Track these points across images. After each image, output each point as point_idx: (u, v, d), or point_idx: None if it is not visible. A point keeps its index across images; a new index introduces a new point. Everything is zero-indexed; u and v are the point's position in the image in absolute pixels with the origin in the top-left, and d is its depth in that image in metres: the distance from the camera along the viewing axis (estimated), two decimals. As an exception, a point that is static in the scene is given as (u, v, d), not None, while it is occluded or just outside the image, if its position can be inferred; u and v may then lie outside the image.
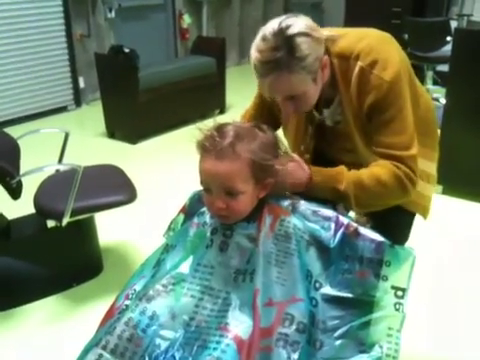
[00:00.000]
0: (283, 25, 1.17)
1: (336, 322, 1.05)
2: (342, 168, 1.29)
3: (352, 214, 1.28)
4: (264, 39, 1.18)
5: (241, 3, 7.16)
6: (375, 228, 1.12)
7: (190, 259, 1.10)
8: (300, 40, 1.16)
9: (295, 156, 1.27)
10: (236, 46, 7.25)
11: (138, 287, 1.15)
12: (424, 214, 1.53)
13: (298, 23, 1.18)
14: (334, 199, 1.26)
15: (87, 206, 2.31)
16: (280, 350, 0.98)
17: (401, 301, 1.06)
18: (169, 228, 1.32)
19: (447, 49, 3.93)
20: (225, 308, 1.04)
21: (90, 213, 2.41)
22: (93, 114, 5.06)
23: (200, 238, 1.12)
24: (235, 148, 1.04)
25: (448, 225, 3.00)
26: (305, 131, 1.48)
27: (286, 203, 1.16)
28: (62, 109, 5.34)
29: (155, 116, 4.49)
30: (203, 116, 4.67)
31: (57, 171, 2.62)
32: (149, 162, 4.04)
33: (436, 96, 5.32)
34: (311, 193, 1.23)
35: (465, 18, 5.44)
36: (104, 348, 1.02)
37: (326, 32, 1.27)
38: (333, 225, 1.11)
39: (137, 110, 4.38)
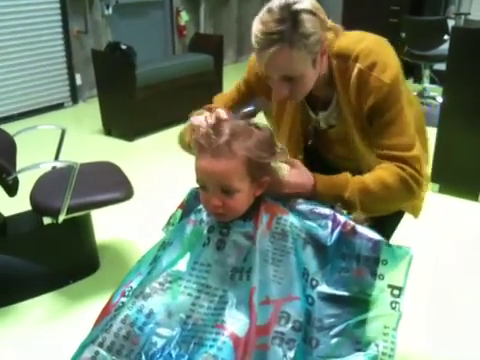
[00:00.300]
0: (291, 0, 1.16)
1: (332, 320, 1.05)
2: (346, 175, 1.27)
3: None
4: (270, 11, 1.16)
5: (239, 0, 7.16)
6: (372, 227, 1.12)
7: (187, 257, 1.10)
8: (306, 17, 1.15)
9: (296, 161, 1.25)
10: (234, 43, 7.24)
11: (134, 284, 1.14)
12: (415, 213, 1.52)
13: (305, 1, 1.17)
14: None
15: (83, 203, 2.31)
16: (276, 348, 0.98)
17: (397, 300, 1.06)
18: (168, 222, 1.32)
19: (444, 48, 3.93)
20: (222, 306, 1.04)
21: (86, 210, 2.41)
22: (90, 111, 5.05)
23: (197, 236, 1.12)
24: (231, 146, 1.03)
25: (444, 224, 3.00)
26: (299, 131, 1.48)
27: (283, 201, 1.15)
28: (59, 106, 5.33)
29: (152, 113, 4.48)
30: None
31: (53, 168, 2.62)
32: (146, 159, 4.04)
33: (433, 95, 5.34)
34: (314, 199, 1.20)
35: (462, 17, 5.45)
36: (101, 345, 1.02)
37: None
38: (330, 223, 1.11)
39: (134, 107, 4.37)
